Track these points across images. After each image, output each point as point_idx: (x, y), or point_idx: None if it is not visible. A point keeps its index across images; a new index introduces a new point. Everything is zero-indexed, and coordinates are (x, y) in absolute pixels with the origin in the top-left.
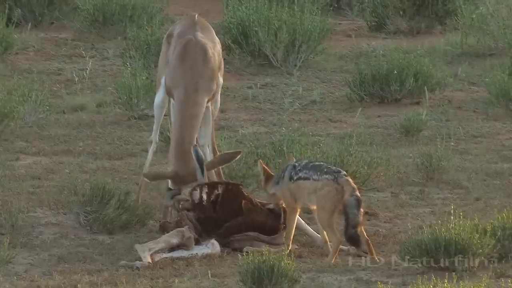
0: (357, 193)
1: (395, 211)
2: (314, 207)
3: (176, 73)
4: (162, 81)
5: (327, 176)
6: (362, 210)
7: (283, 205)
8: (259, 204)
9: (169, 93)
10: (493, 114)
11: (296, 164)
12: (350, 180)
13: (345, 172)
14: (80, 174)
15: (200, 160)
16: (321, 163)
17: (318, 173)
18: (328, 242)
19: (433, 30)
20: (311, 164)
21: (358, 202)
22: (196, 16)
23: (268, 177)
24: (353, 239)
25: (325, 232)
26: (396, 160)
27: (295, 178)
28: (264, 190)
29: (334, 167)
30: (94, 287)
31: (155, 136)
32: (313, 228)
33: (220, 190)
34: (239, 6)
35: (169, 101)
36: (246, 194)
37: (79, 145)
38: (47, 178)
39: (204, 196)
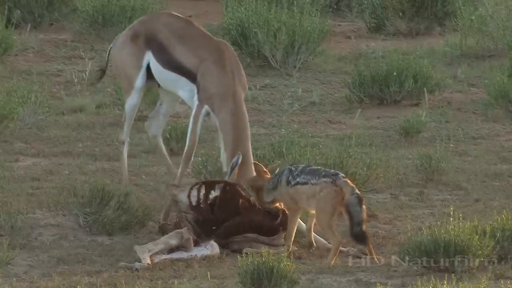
0: (357, 191)
1: (395, 212)
2: (313, 211)
3: (220, 81)
4: (136, 84)
5: (325, 179)
6: (364, 207)
7: (281, 206)
8: (256, 204)
9: (208, 101)
10: (493, 116)
11: (293, 169)
12: (348, 181)
13: (343, 174)
14: (80, 175)
15: (233, 167)
16: (319, 167)
17: (316, 177)
18: (315, 244)
19: (433, 32)
20: (308, 168)
21: (359, 200)
22: (176, 14)
23: (258, 189)
24: (359, 237)
25: (312, 235)
26: (395, 161)
27: (292, 183)
28: (257, 201)
29: (332, 171)
30: None
31: (127, 137)
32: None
33: (217, 190)
34: (239, 7)
35: (200, 108)
36: (243, 194)
37: (78, 147)
38: (46, 180)
39: (202, 197)
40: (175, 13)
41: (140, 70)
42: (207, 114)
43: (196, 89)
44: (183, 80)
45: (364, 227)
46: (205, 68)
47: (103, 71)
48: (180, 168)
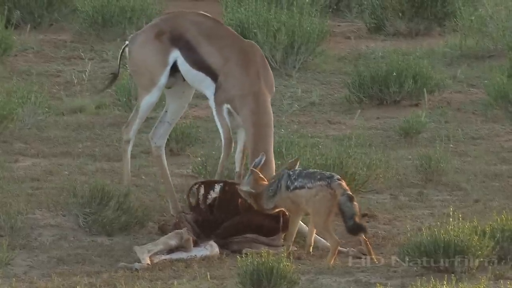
0: (349, 192)
1: (394, 213)
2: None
3: (242, 82)
4: (160, 82)
5: (320, 183)
6: (355, 203)
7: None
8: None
9: (229, 101)
10: (492, 116)
11: (291, 173)
12: (343, 183)
13: (338, 176)
14: (79, 175)
15: (255, 166)
16: (315, 170)
17: (312, 181)
18: (312, 246)
19: (432, 32)
20: (304, 172)
21: (350, 197)
22: (204, 13)
23: (256, 196)
24: (354, 228)
25: (312, 235)
26: (395, 162)
27: (291, 187)
28: (258, 209)
29: (328, 173)
30: None
31: (133, 136)
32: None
33: (217, 190)
34: (238, 8)
35: (220, 106)
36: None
37: (78, 147)
38: (46, 180)
39: (201, 198)
40: (203, 12)
41: (165, 67)
42: (229, 112)
43: (215, 88)
44: (208, 80)
45: (357, 219)
46: (228, 69)
47: (115, 75)
48: (222, 156)
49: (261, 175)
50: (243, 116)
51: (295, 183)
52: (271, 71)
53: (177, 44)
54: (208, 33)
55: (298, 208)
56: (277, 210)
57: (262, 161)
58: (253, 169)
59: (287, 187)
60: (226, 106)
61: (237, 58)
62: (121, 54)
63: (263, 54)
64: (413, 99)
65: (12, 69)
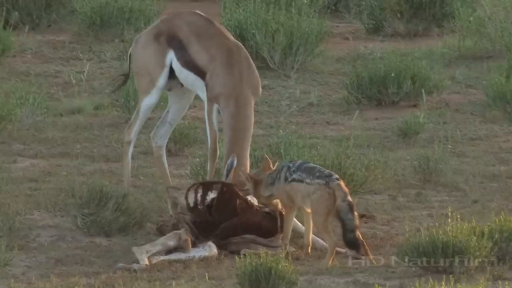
0: (349, 198)
1: (393, 213)
2: (309, 210)
3: (225, 82)
4: (159, 83)
5: (319, 181)
6: (356, 213)
7: (279, 207)
8: (254, 205)
9: (215, 100)
10: (491, 117)
11: (291, 165)
12: (342, 184)
13: (337, 176)
14: (78, 176)
15: (229, 169)
16: (315, 165)
17: (311, 177)
18: (311, 246)
19: (431, 33)
20: (304, 166)
21: (351, 207)
22: (199, 12)
23: (257, 182)
24: (352, 243)
25: (310, 236)
26: (393, 162)
27: (289, 179)
28: (255, 195)
29: (327, 171)
30: None
31: (135, 137)
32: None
33: (214, 191)
34: (236, 8)
35: (211, 106)
36: (241, 195)
37: (76, 148)
38: (44, 181)
39: (199, 199)
40: (199, 12)
41: (163, 68)
42: (219, 112)
43: (205, 88)
44: (199, 81)
45: (357, 233)
46: (213, 68)
47: (126, 76)
48: (209, 165)
49: (271, 166)
50: (223, 117)
51: (294, 175)
52: (256, 72)
53: (172, 45)
54: (199, 33)
55: (292, 204)
56: (272, 201)
57: (234, 163)
58: (267, 157)
59: (285, 179)
60: (216, 106)
61: (221, 58)
62: (130, 55)
63: (248, 55)
64: (412, 100)
65: (10, 70)
